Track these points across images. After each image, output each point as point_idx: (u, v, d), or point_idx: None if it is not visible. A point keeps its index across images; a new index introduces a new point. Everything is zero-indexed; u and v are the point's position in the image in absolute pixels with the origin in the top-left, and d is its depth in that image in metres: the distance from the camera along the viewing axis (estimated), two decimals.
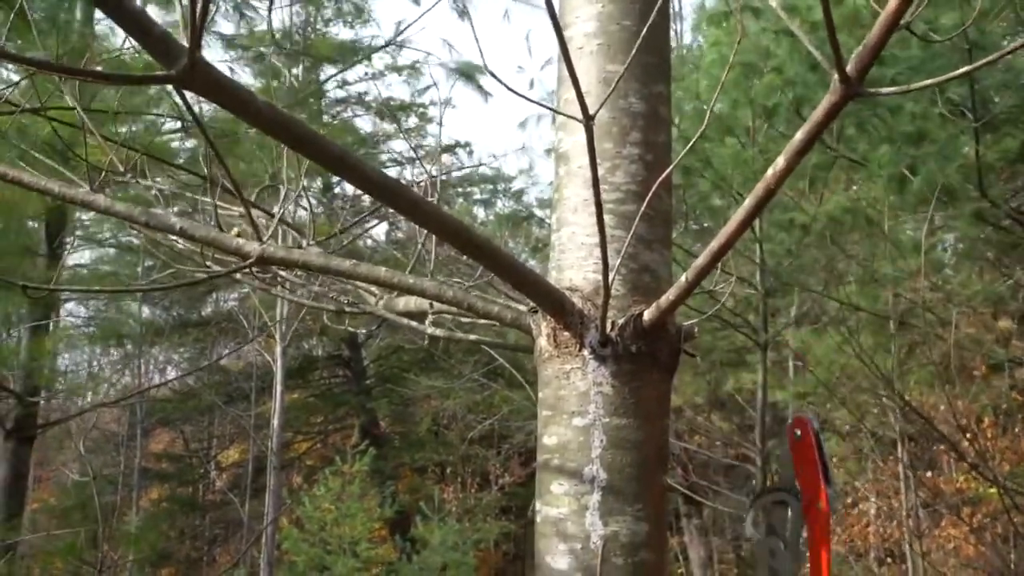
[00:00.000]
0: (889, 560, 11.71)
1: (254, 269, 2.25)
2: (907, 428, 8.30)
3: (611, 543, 1.98)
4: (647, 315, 2.02)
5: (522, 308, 2.22)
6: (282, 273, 2.74)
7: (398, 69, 14.81)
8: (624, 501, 2.01)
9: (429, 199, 2.49)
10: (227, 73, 1.49)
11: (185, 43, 1.43)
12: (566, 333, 2.07)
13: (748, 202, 1.75)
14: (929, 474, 10.52)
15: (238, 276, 2.57)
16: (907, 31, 1.75)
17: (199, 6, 1.41)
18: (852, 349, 6.34)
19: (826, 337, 7.51)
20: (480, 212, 18.58)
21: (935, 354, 7.31)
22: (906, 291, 6.68)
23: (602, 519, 2.00)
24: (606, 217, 1.91)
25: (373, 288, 2.60)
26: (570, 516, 2.01)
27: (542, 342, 2.13)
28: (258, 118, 1.52)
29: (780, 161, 1.68)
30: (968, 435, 6.56)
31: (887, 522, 11.42)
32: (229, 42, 9.96)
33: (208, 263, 2.33)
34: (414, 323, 2.52)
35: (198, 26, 1.42)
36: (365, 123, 16.11)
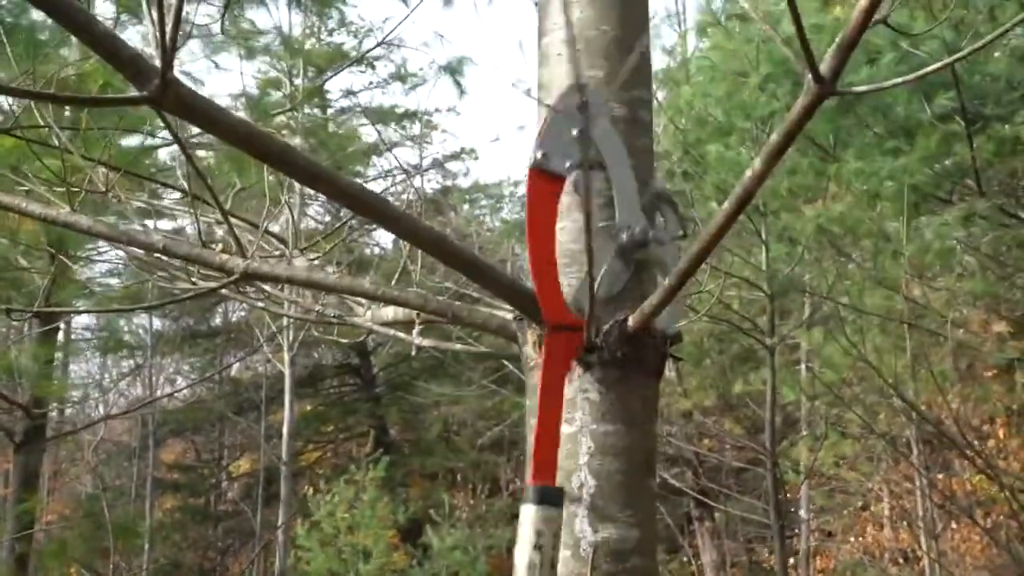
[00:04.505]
0: (902, 561, 11.60)
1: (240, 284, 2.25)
2: (920, 431, 8.23)
3: (601, 549, 1.97)
4: (632, 320, 2.01)
5: (508, 316, 2.21)
6: (266, 288, 2.73)
7: (402, 78, 14.88)
8: (613, 507, 1.99)
9: (418, 209, 2.49)
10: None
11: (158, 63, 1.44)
12: None
13: (727, 206, 1.74)
14: (942, 476, 10.42)
15: (224, 292, 2.58)
16: (884, 25, 1.74)
17: (169, 27, 1.42)
18: (858, 352, 6.30)
19: (834, 339, 7.46)
20: (487, 219, 18.63)
21: (940, 356, 7.25)
22: (907, 292, 6.64)
23: (591, 526, 1.98)
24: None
25: (362, 299, 2.59)
26: None
27: (528, 350, 2.12)
28: (230, 135, 1.53)
29: (757, 163, 1.67)
30: (975, 438, 6.50)
31: (900, 524, 11.32)
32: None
33: (194, 279, 2.33)
34: (401, 334, 2.51)
35: (169, 48, 1.43)
36: (370, 132, 16.19)
